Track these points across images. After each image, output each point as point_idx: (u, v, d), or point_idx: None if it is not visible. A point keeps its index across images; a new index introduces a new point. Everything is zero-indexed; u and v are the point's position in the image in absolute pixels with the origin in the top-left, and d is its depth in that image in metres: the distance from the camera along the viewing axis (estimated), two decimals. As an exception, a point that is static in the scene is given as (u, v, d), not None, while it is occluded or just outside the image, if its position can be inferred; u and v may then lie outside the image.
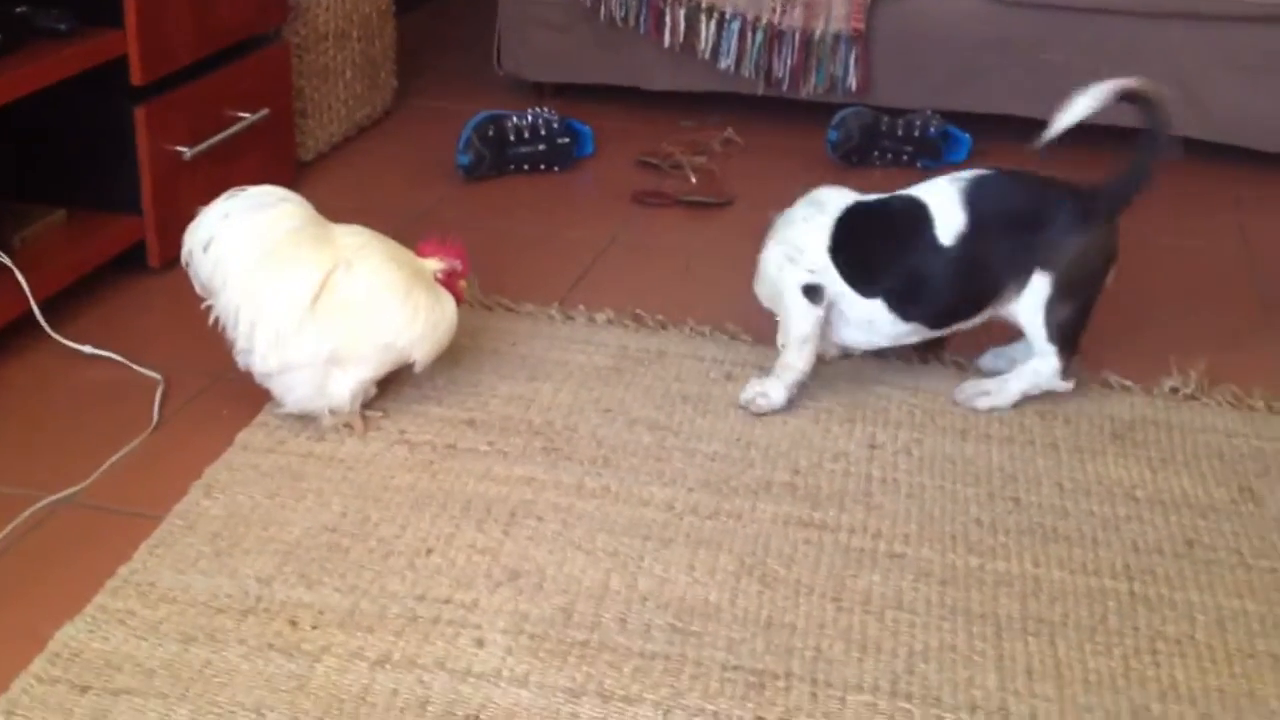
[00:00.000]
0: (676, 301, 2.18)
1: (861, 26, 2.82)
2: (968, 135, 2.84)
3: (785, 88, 2.92)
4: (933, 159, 2.80)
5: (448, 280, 1.81)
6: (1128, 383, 1.96)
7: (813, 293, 1.84)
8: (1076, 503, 1.68)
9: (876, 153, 2.81)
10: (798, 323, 1.85)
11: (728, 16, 2.87)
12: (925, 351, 2.02)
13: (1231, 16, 2.65)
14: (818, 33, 2.84)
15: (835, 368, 1.97)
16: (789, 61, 2.88)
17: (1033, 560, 1.56)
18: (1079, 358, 1.91)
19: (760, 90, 2.94)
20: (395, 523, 1.57)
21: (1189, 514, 1.66)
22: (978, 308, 1.86)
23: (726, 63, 2.91)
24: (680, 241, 2.46)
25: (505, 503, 1.62)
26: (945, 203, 1.81)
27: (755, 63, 2.89)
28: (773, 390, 1.86)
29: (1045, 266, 1.81)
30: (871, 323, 1.86)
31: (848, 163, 2.80)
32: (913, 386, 1.95)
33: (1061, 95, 2.76)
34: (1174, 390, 1.95)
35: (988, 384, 1.91)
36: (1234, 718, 1.33)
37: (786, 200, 2.43)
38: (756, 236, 2.40)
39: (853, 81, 2.87)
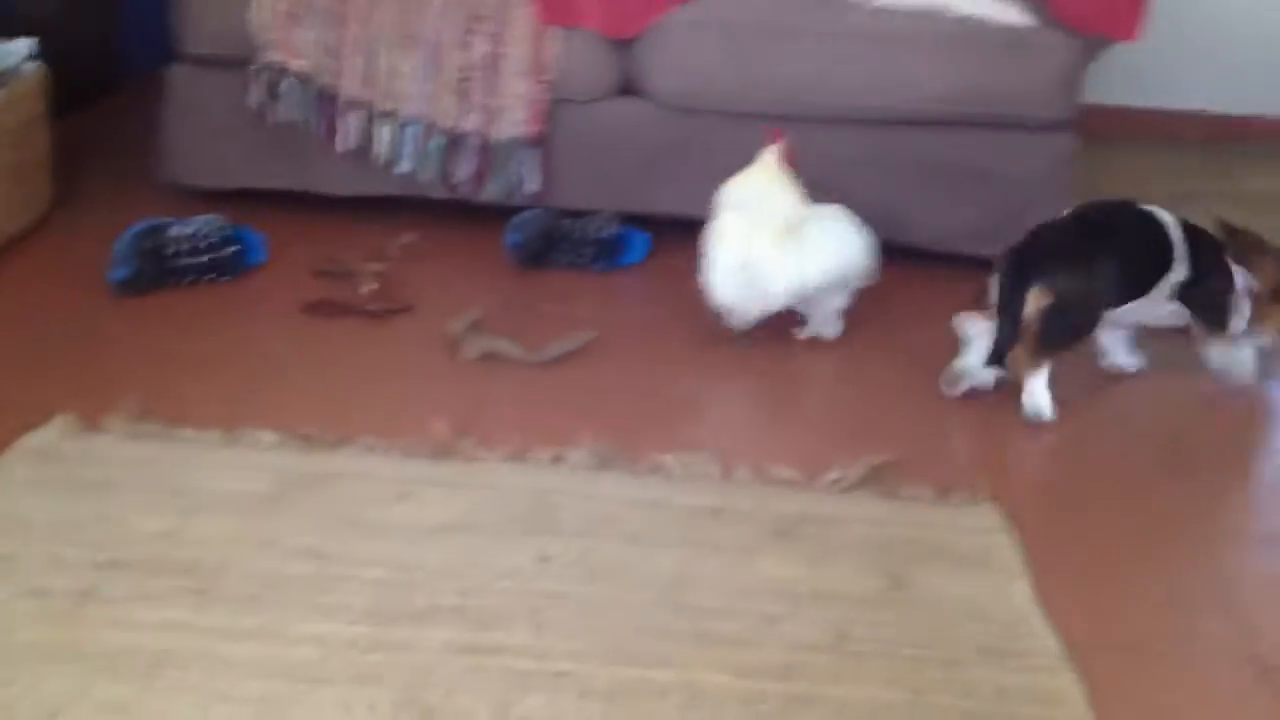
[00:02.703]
0: (352, 417, 2.13)
1: (540, 130, 2.86)
2: (646, 236, 2.91)
3: (466, 192, 2.92)
4: (613, 260, 2.86)
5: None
6: (793, 476, 2.03)
7: None
8: (739, 603, 1.71)
9: (557, 255, 2.84)
10: None
11: (404, 121, 2.86)
12: None
13: (877, 120, 2.82)
14: (496, 137, 2.86)
15: (505, 475, 1.96)
16: (469, 166, 2.88)
17: (696, 667, 1.58)
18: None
19: (441, 195, 2.94)
20: (19, 684, 1.45)
21: (842, 607, 1.71)
22: None
23: (405, 168, 2.89)
24: (357, 353, 2.41)
25: (145, 652, 1.52)
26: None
27: (434, 167, 2.89)
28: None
29: None
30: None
31: (529, 265, 2.82)
32: (588, 494, 1.96)
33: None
34: (834, 483, 2.02)
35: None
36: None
37: (469, 306, 2.44)
38: (437, 343, 2.40)
39: (533, 185, 2.90)
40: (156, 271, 2.54)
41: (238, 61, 2.85)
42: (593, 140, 2.91)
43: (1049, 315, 2.21)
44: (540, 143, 2.87)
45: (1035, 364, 2.25)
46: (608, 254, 2.85)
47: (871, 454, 2.07)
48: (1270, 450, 2.31)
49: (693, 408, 2.27)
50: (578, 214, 2.88)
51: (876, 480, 2.02)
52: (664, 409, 2.25)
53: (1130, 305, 2.32)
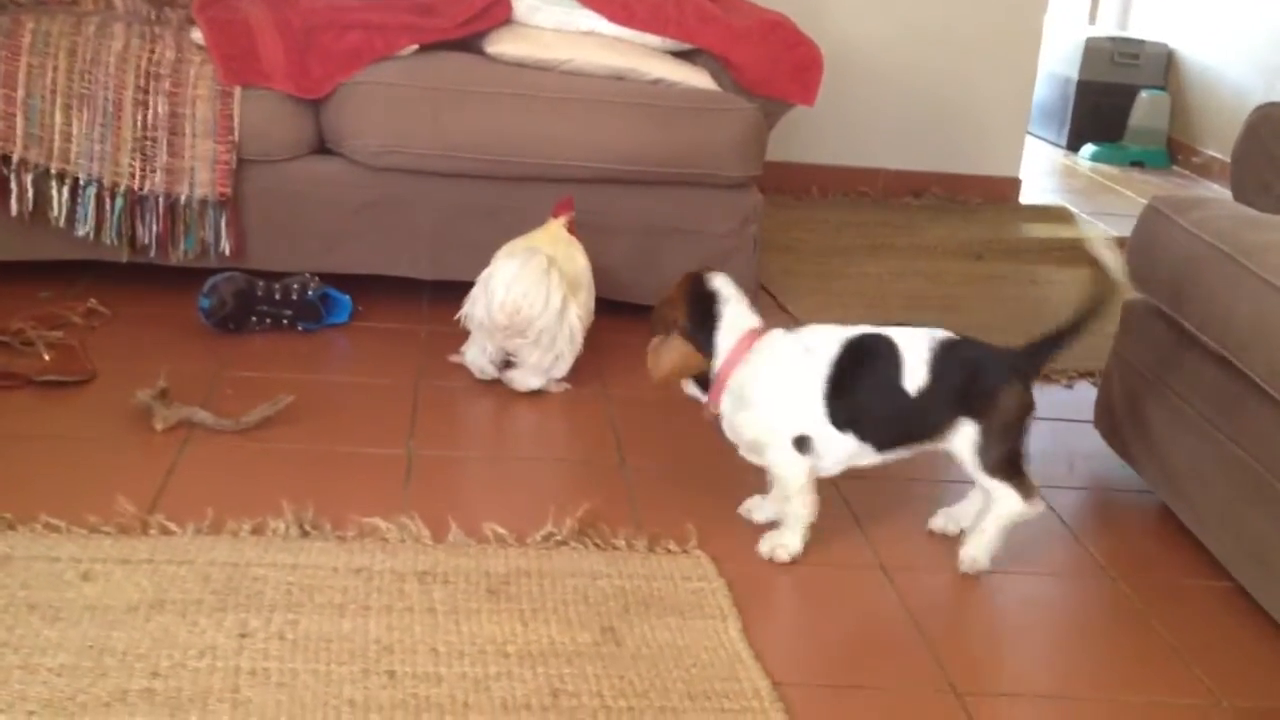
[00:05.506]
0: (27, 496, 1.98)
1: (228, 191, 2.75)
2: (348, 297, 2.85)
3: (153, 254, 2.79)
4: (314, 321, 2.78)
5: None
6: (503, 532, 2.01)
7: (803, 443, 1.99)
8: (450, 666, 1.67)
9: (254, 318, 2.74)
10: (796, 475, 2.00)
11: (82, 182, 2.70)
12: None
13: (576, 179, 2.86)
14: (183, 198, 2.74)
15: (200, 549, 1.86)
16: (154, 228, 2.75)
17: (406, 736, 1.53)
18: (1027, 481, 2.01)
19: (125, 258, 2.79)
20: None
21: (556, 662, 1.70)
22: (922, 442, 2.03)
23: (84, 230, 2.73)
24: (33, 426, 2.25)
25: None
26: (916, 355, 1.98)
27: (117, 230, 2.74)
28: (791, 540, 2.02)
29: (975, 416, 1.99)
30: (833, 452, 2.01)
31: (224, 329, 2.71)
32: (291, 564, 1.88)
33: (429, 255, 2.87)
34: (547, 538, 2.01)
35: (968, 549, 2.05)
36: None
37: (155, 375, 2.31)
38: (123, 413, 2.26)
39: (226, 246, 2.79)
40: None
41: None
42: (288, 200, 2.84)
43: None
44: (230, 203, 2.77)
45: None
46: (310, 315, 2.77)
47: (585, 507, 2.08)
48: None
49: (401, 469, 2.22)
50: (276, 275, 2.80)
51: (589, 533, 2.03)
52: (371, 472, 2.19)
53: None
